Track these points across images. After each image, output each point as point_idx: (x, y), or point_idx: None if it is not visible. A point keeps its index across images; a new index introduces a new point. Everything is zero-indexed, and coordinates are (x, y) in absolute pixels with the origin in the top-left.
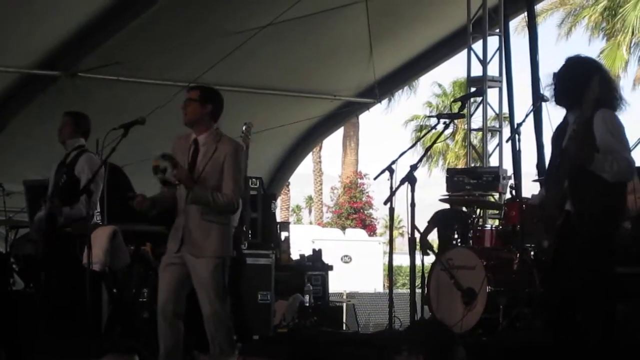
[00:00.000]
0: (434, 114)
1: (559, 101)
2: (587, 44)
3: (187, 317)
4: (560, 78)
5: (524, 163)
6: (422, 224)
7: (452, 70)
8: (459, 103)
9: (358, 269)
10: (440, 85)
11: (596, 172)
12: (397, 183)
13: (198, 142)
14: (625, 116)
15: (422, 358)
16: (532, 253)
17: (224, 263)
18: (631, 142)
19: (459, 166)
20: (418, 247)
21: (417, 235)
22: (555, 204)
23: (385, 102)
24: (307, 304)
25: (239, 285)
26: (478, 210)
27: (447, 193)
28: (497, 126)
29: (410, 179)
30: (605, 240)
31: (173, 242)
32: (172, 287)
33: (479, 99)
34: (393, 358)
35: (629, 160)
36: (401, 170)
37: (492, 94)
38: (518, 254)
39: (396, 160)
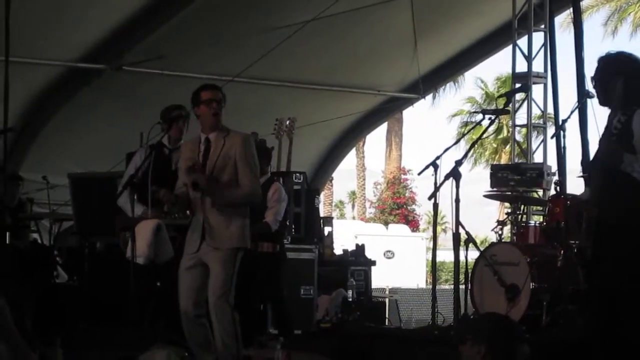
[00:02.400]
0: (476, 110)
1: (600, 101)
2: (633, 40)
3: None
4: (594, 79)
5: (569, 160)
6: (465, 219)
7: (496, 67)
8: (504, 99)
9: (401, 264)
10: (483, 82)
11: (626, 171)
12: (441, 179)
13: (209, 140)
14: None
15: (485, 349)
16: (575, 250)
17: (237, 255)
18: None
19: (500, 162)
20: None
21: (462, 231)
22: (594, 202)
23: (430, 97)
24: (350, 299)
25: (280, 279)
26: (522, 207)
27: (491, 189)
28: (542, 123)
29: (455, 174)
30: (636, 239)
31: (192, 242)
32: (191, 289)
33: (523, 95)
34: (456, 347)
35: None
36: (445, 166)
37: (536, 91)
38: (562, 251)
39: (440, 155)
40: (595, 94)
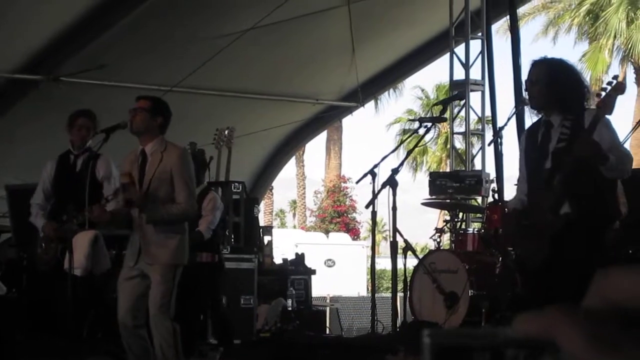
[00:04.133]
0: (416, 117)
1: (540, 104)
2: (572, 47)
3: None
4: (541, 81)
5: (507, 166)
6: (404, 227)
7: (436, 74)
8: (441, 106)
9: (341, 272)
10: (423, 90)
11: (604, 172)
12: (380, 187)
13: (145, 152)
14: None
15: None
16: (514, 256)
17: (175, 270)
18: None
19: (443, 170)
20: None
21: (400, 239)
22: (549, 207)
23: (371, 106)
24: (290, 308)
25: (219, 289)
26: (460, 214)
27: (430, 197)
28: (480, 130)
29: (391, 182)
30: (602, 241)
31: (130, 256)
32: (131, 300)
33: (462, 102)
34: (384, 358)
35: (630, 156)
36: (384, 175)
37: (474, 98)
38: (500, 258)
39: (378, 164)
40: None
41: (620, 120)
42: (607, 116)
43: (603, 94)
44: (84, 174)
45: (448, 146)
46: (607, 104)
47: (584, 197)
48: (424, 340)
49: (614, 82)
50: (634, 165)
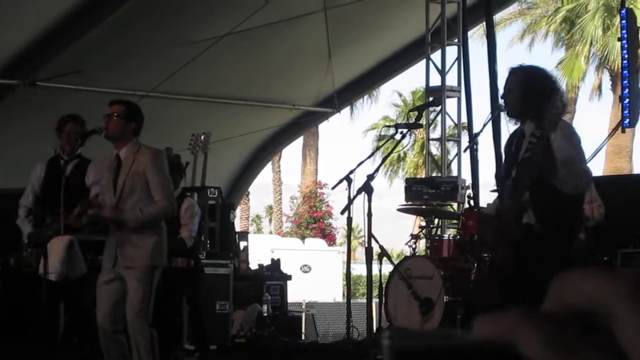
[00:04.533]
0: (392, 124)
1: (515, 112)
2: (549, 54)
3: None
4: (516, 90)
5: (483, 173)
6: (380, 233)
7: (413, 80)
8: (417, 112)
9: (317, 278)
10: (400, 95)
11: (557, 186)
12: (355, 193)
13: (120, 157)
14: (583, 125)
15: None
16: (489, 263)
17: (153, 272)
18: (590, 151)
19: (420, 176)
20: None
21: (375, 245)
22: (513, 216)
23: (348, 111)
24: (266, 314)
25: (197, 294)
26: (436, 220)
27: (405, 203)
28: (456, 136)
29: (367, 188)
30: (565, 252)
31: (108, 259)
32: (109, 304)
33: (437, 109)
34: None
35: (587, 172)
36: (359, 181)
37: (451, 104)
38: (475, 264)
39: (354, 170)
40: (503, 108)
41: (597, 126)
42: (569, 128)
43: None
44: (74, 180)
45: (425, 152)
46: (550, 122)
47: (545, 207)
48: (383, 342)
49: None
50: (613, 172)
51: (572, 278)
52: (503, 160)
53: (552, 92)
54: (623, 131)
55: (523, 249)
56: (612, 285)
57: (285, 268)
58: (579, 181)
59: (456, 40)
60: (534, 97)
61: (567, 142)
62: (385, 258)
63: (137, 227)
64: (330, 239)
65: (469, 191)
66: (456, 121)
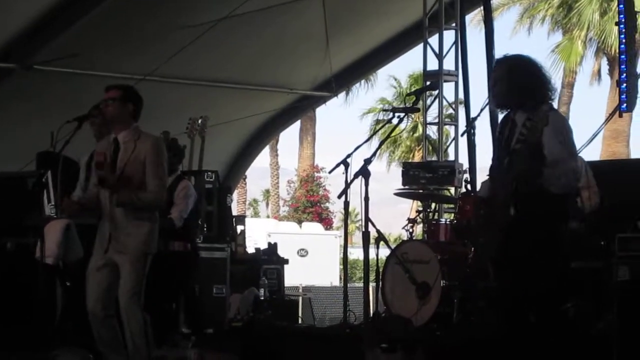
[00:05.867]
0: (390, 107)
1: (501, 103)
2: (546, 38)
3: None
4: (502, 80)
5: (480, 157)
6: (377, 218)
7: (409, 64)
8: (413, 97)
9: (314, 262)
10: (396, 79)
11: (544, 185)
12: (352, 177)
13: (118, 141)
14: (582, 110)
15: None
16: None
17: (145, 259)
18: (587, 136)
19: (414, 159)
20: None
21: (372, 229)
22: (502, 205)
23: (343, 95)
24: (262, 298)
25: (192, 278)
26: (433, 205)
27: (403, 187)
28: (453, 120)
29: (364, 172)
30: (548, 242)
31: (100, 244)
32: (100, 289)
33: (435, 93)
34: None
35: (575, 170)
36: (356, 165)
37: (448, 88)
38: (472, 248)
39: (351, 154)
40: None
41: (596, 111)
42: (560, 121)
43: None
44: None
45: (416, 135)
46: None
47: (532, 198)
48: None
49: None
50: (610, 157)
51: None
52: (494, 148)
53: (539, 81)
54: (620, 115)
55: (507, 236)
56: None
57: (282, 252)
58: (566, 181)
59: (454, 25)
60: (519, 87)
61: (556, 139)
62: (382, 242)
63: (129, 211)
64: (327, 223)
65: (466, 175)
66: (453, 105)
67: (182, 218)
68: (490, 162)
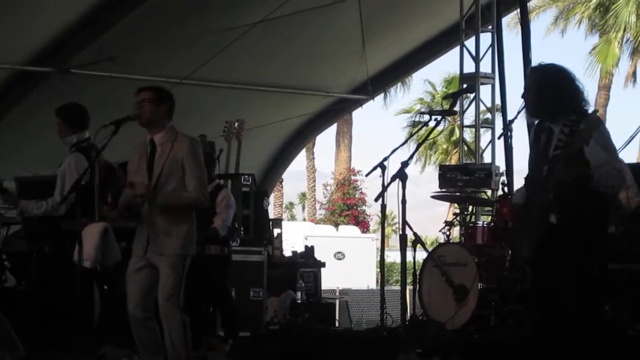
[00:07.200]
0: (425, 110)
1: (532, 111)
2: (582, 40)
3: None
4: (534, 89)
5: (517, 160)
6: (414, 220)
7: (445, 67)
8: (450, 99)
9: (351, 265)
10: (431, 83)
11: (592, 188)
12: (389, 180)
13: (155, 142)
14: (618, 112)
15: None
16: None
17: (184, 261)
18: (624, 139)
19: (450, 162)
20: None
21: (409, 232)
22: (540, 214)
23: (380, 99)
24: (299, 301)
25: (226, 282)
26: (470, 207)
27: (440, 190)
28: (490, 123)
29: (401, 175)
30: (588, 249)
31: (139, 246)
32: (140, 292)
33: (471, 96)
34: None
35: (621, 171)
36: (393, 168)
37: (485, 91)
38: (510, 251)
39: (388, 157)
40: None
41: (631, 113)
42: (601, 128)
43: (582, 126)
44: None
45: (453, 138)
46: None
47: (571, 207)
48: None
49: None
50: None
51: None
52: (530, 154)
53: (571, 90)
54: None
55: (544, 246)
56: None
57: (318, 255)
58: (614, 182)
59: (490, 27)
60: (550, 100)
61: (596, 143)
62: (419, 245)
63: (168, 214)
64: (363, 226)
65: (503, 178)
66: (490, 108)
67: (225, 227)
68: (526, 166)
